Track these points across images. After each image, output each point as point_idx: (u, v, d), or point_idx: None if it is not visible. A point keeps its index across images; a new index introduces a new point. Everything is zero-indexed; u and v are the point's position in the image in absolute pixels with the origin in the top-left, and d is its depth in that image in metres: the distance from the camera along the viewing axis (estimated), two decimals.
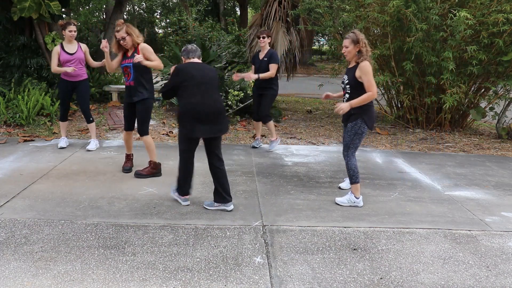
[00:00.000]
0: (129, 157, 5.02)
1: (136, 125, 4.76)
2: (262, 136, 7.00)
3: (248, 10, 25.27)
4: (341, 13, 7.90)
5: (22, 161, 5.16)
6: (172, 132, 7.01)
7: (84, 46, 5.70)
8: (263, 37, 5.90)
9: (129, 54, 4.61)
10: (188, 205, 3.97)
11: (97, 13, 22.41)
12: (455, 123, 8.14)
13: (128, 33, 4.49)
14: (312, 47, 25.42)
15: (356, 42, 3.90)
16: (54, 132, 6.69)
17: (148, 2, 28.86)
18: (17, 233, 3.32)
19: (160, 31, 28.57)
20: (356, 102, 3.85)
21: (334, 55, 9.86)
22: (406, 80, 7.58)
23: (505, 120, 7.72)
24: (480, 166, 5.77)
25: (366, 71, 3.82)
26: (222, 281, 2.78)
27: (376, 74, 7.44)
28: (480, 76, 7.43)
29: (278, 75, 5.91)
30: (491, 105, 7.71)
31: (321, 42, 29.07)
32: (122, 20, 4.58)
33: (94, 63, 5.73)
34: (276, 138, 6.16)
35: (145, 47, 4.59)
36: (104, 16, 22.66)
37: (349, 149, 4.05)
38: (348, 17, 7.49)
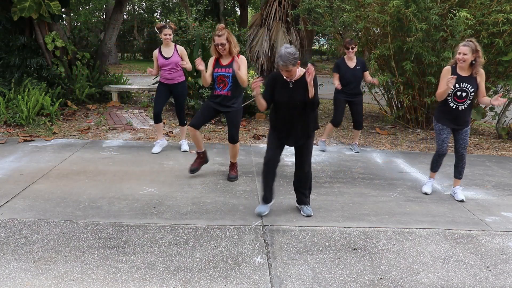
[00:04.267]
0: (199, 156, 4.83)
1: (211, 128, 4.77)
2: (262, 136, 7.00)
3: (248, 10, 25.27)
4: (341, 13, 7.90)
5: (22, 161, 5.16)
6: (172, 132, 7.01)
7: (181, 49, 5.62)
8: (352, 48, 5.88)
9: (225, 63, 4.48)
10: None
11: (97, 13, 22.41)
12: None
13: (228, 40, 4.37)
14: (312, 47, 25.41)
15: (475, 51, 4.06)
16: (54, 132, 6.69)
17: (148, 2, 28.86)
18: (17, 233, 3.32)
19: None
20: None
21: (334, 55, 9.86)
22: (406, 80, 7.58)
23: (505, 120, 7.72)
24: (480, 166, 5.77)
25: (484, 77, 4.20)
26: (222, 281, 2.78)
27: (376, 74, 7.44)
28: None
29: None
30: (491, 105, 7.71)
31: (321, 42, 29.08)
32: (223, 25, 4.47)
33: (189, 66, 5.62)
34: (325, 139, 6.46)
35: (243, 59, 4.48)
36: (104, 16, 22.68)
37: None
38: (348, 17, 7.49)
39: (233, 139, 4.65)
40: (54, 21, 8.06)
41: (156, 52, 5.61)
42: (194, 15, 11.00)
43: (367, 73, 6.03)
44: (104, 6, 21.03)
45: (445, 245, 3.40)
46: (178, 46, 5.64)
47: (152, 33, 28.23)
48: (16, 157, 5.30)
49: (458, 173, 4.49)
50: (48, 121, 7.19)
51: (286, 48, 3.38)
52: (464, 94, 4.18)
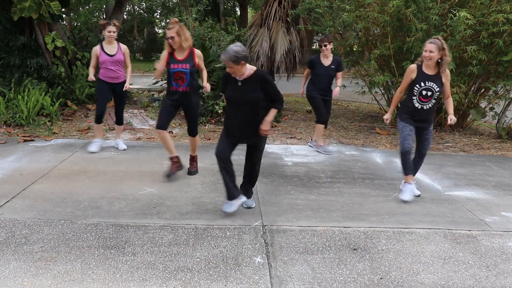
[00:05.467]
0: (173, 161, 4.77)
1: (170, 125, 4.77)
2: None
3: (248, 10, 25.27)
4: (341, 13, 7.90)
5: (22, 161, 5.16)
6: (172, 132, 7.00)
7: (124, 48, 5.58)
8: (325, 45, 5.84)
9: (180, 57, 4.45)
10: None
11: (97, 13, 22.40)
12: (455, 123, 8.13)
13: (178, 34, 4.34)
14: (312, 47, 25.39)
15: (441, 49, 4.00)
16: (54, 132, 6.69)
17: (148, 2, 28.86)
18: (17, 233, 3.32)
19: (160, 31, 28.60)
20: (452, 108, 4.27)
21: (334, 55, 9.84)
22: None
23: (505, 120, 7.71)
24: (480, 166, 5.77)
25: (449, 78, 4.17)
26: (222, 281, 2.78)
27: (376, 74, 7.44)
28: (480, 76, 7.43)
29: None
30: (491, 105, 7.71)
31: None
32: (177, 19, 4.45)
33: (129, 68, 5.62)
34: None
35: (200, 55, 4.51)
36: (104, 16, 22.66)
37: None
38: (348, 17, 7.49)
39: (193, 132, 4.71)
40: (54, 21, 8.06)
41: (97, 48, 5.45)
42: (194, 15, 11.00)
43: (339, 74, 5.93)
44: (104, 6, 21.02)
45: (445, 245, 3.40)
46: (121, 44, 5.58)
47: (152, 33, 28.24)
48: (16, 157, 5.30)
49: (415, 170, 4.49)
50: (48, 121, 7.19)
51: (234, 46, 3.45)
52: (429, 93, 4.12)
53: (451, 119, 4.14)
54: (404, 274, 2.95)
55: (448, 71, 4.13)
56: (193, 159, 4.94)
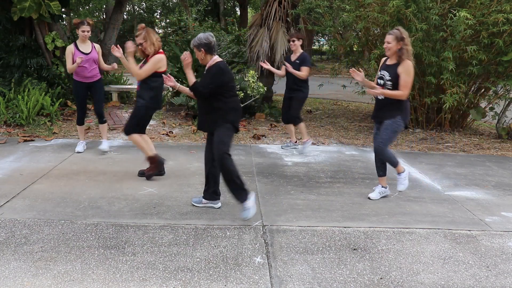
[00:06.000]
0: (151, 161, 4.78)
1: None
2: (262, 136, 7.00)
3: (248, 10, 25.25)
4: (341, 13, 7.90)
5: (22, 161, 5.16)
6: (172, 132, 7.01)
7: (97, 47, 5.59)
8: (293, 41, 5.87)
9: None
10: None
11: (97, 13, 22.41)
12: (455, 123, 8.14)
13: (145, 40, 4.43)
14: (312, 47, 25.39)
15: (400, 39, 3.89)
16: (54, 132, 6.69)
17: (148, 2, 28.85)
18: (17, 233, 3.32)
19: (160, 31, 28.56)
20: (388, 94, 3.98)
21: (334, 55, 9.86)
22: None
23: (505, 120, 7.71)
24: (480, 166, 5.76)
25: (408, 70, 3.90)
26: (222, 281, 2.78)
27: (376, 74, 7.43)
28: (480, 76, 7.43)
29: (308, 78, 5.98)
30: (491, 105, 7.71)
31: (321, 42, 29.06)
32: (144, 25, 4.54)
33: (105, 66, 5.62)
34: (308, 139, 6.13)
35: (152, 59, 4.50)
36: (104, 16, 22.67)
37: (386, 144, 4.14)
38: (348, 17, 7.49)
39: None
40: (54, 21, 8.06)
41: (71, 47, 5.38)
42: (194, 15, 11.00)
43: (303, 68, 5.78)
44: (104, 6, 21.03)
45: (445, 245, 3.40)
46: (94, 43, 5.57)
47: None
48: (16, 157, 5.30)
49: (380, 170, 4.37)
50: (48, 121, 7.19)
51: (203, 34, 3.67)
52: (381, 82, 4.06)
53: (379, 91, 3.96)
54: (404, 274, 2.95)
55: (407, 63, 3.90)
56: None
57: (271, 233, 3.49)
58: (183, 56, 3.60)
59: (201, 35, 3.63)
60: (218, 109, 3.65)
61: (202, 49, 3.60)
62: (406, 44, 3.90)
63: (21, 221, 3.53)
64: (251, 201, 3.49)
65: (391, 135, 4.12)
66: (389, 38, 3.94)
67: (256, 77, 7.43)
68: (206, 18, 12.09)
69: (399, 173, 4.32)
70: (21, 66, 7.99)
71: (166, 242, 3.27)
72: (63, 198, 4.05)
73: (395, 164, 4.24)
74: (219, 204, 3.96)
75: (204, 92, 3.59)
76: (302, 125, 6.07)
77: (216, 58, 3.68)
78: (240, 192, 3.49)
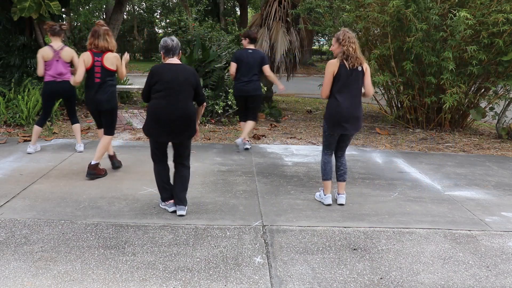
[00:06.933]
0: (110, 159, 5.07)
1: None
2: (262, 136, 7.00)
3: (248, 10, 25.24)
4: (341, 13, 7.90)
5: (22, 161, 5.16)
6: None
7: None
8: (244, 39, 5.96)
9: None
10: (174, 210, 3.78)
11: (97, 13, 22.41)
12: (455, 123, 8.14)
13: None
14: (312, 47, 25.40)
15: (340, 40, 3.86)
16: (54, 132, 6.69)
17: (148, 2, 28.85)
18: (17, 233, 3.32)
19: (160, 31, 28.54)
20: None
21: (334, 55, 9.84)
22: (406, 80, 7.58)
23: (505, 120, 7.71)
24: (480, 166, 5.76)
25: (326, 68, 3.96)
26: (222, 281, 2.78)
27: (376, 74, 7.44)
28: (480, 76, 7.44)
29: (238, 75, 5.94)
30: (491, 105, 7.71)
31: (321, 42, 29.07)
32: (102, 21, 4.69)
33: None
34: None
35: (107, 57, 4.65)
36: (104, 16, 22.66)
37: (323, 148, 4.27)
38: (348, 17, 7.49)
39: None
40: (54, 21, 8.05)
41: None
42: (194, 15, 10.99)
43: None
44: (104, 6, 21.03)
45: (445, 245, 3.40)
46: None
47: (152, 33, 28.23)
48: (16, 157, 5.30)
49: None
50: (48, 121, 7.19)
51: (168, 37, 3.73)
52: None
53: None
54: (404, 274, 2.95)
55: (329, 62, 3.88)
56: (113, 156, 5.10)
57: (271, 233, 3.49)
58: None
59: (165, 38, 3.72)
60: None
61: (161, 51, 3.70)
62: (344, 46, 3.81)
63: (21, 221, 3.53)
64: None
65: (323, 139, 4.22)
66: (333, 40, 3.99)
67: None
68: (206, 18, 12.07)
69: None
70: (21, 66, 7.99)
71: (166, 242, 3.27)
72: (63, 198, 4.05)
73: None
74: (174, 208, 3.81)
75: (143, 94, 3.77)
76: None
77: (171, 61, 3.67)
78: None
